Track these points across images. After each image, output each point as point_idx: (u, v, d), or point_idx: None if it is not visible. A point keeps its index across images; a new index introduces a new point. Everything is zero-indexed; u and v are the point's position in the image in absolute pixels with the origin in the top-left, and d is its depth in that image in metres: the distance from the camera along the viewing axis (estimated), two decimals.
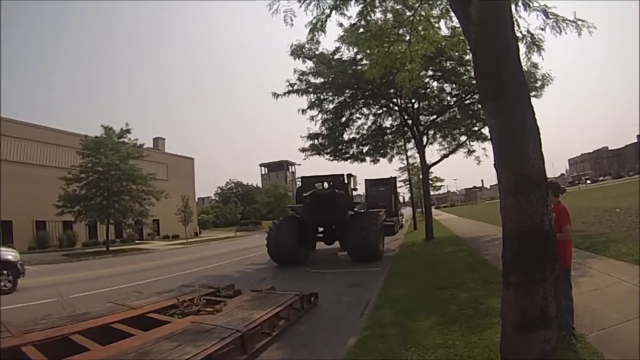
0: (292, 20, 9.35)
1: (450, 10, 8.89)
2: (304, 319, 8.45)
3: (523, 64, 16.23)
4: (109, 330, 6.75)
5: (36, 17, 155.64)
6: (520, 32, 11.31)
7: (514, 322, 3.66)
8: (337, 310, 9.01)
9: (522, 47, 12.08)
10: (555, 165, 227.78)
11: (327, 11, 9.78)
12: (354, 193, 21.54)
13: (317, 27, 9.91)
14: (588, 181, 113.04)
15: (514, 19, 10.65)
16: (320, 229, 18.80)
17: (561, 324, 5.42)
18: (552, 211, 5.55)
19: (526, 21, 10.96)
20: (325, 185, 19.14)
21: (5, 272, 13.84)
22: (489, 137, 4.21)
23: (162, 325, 6.78)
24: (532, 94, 18.54)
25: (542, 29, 11.05)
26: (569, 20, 10.56)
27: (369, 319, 7.63)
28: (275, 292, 9.57)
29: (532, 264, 3.60)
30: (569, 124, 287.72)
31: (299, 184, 21.00)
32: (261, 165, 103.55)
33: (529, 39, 11.72)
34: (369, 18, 10.17)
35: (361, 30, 10.85)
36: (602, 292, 7.17)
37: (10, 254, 14.58)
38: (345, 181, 19.12)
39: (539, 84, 19.21)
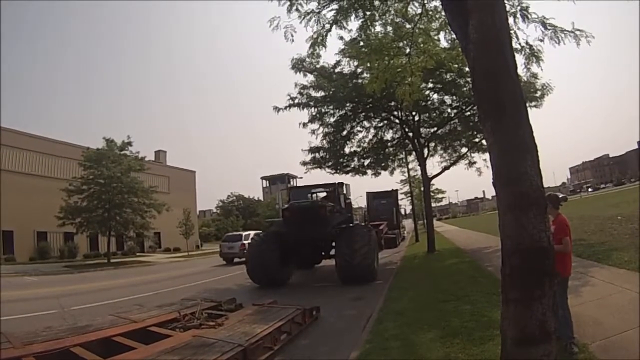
0: (292, 36, 9.50)
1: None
2: (305, 332, 8.42)
3: (522, 75, 16.50)
4: (110, 343, 6.72)
5: (38, 28, 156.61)
6: (519, 43, 11.42)
7: (513, 337, 3.69)
8: (339, 323, 8.97)
9: (521, 59, 12.20)
10: (556, 174, 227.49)
11: (327, 26, 9.89)
12: (354, 204, 21.26)
13: (318, 41, 10.01)
14: (589, 189, 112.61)
15: (513, 31, 10.83)
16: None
17: (560, 334, 5.44)
18: (552, 223, 5.60)
19: (525, 33, 11.02)
20: (317, 196, 18.63)
21: None
22: (489, 154, 4.25)
23: (163, 339, 6.74)
24: (532, 104, 18.82)
25: (541, 40, 11.15)
26: (567, 31, 10.67)
27: (371, 332, 7.61)
28: (277, 306, 9.51)
29: (531, 281, 3.64)
30: (570, 132, 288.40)
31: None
32: (262, 178, 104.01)
33: (527, 50, 11.81)
34: (368, 32, 10.26)
35: (361, 44, 10.95)
36: (605, 300, 7.17)
37: None
38: (338, 191, 17.90)
39: (538, 93, 19.31)
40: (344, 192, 18.12)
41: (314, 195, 18.62)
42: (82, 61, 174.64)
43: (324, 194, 18.55)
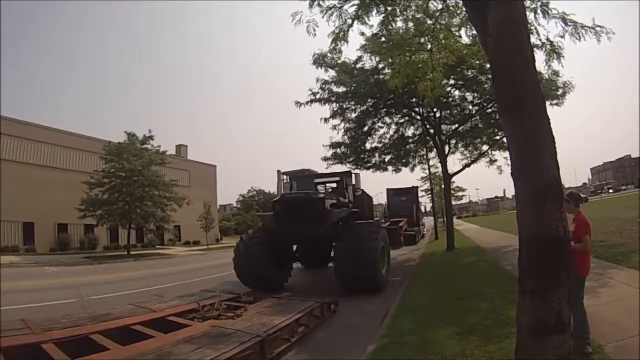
0: (314, 30, 9.47)
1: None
2: (323, 326, 8.44)
3: (543, 72, 16.28)
4: (129, 331, 6.78)
5: (59, 22, 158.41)
6: (540, 39, 11.29)
7: (529, 327, 3.71)
8: (357, 318, 8.98)
9: (542, 55, 12.05)
10: (577, 174, 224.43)
11: (349, 21, 9.85)
12: (375, 201, 20.18)
13: (340, 37, 9.98)
14: (610, 190, 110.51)
15: (534, 27, 10.70)
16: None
17: (575, 333, 5.35)
18: (573, 222, 5.50)
19: (545, 29, 10.90)
20: (326, 187, 16.75)
21: None
22: (507, 146, 4.24)
23: (182, 329, 6.80)
24: (554, 102, 18.52)
25: (562, 36, 11.00)
26: (588, 27, 10.50)
27: (388, 327, 7.60)
28: (296, 299, 9.56)
29: (547, 271, 3.66)
30: (591, 131, 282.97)
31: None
32: (283, 173, 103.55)
33: (548, 46, 11.67)
34: (390, 27, 10.20)
35: (383, 39, 10.89)
36: (622, 302, 7.05)
37: None
38: (346, 182, 15.72)
39: (560, 91, 18.98)
40: (353, 182, 15.56)
41: (320, 186, 16.65)
42: (105, 56, 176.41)
43: (333, 185, 16.62)
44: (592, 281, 8.09)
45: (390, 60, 11.03)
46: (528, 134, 3.78)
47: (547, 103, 17.49)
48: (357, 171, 18.09)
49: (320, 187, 16.42)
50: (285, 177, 15.99)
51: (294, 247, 14.70)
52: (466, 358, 5.40)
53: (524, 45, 3.93)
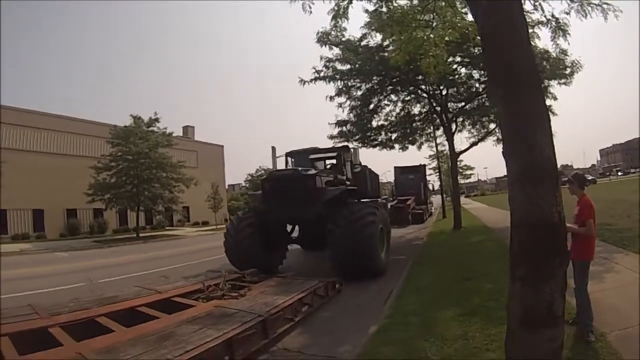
0: (310, 8, 9.33)
1: None
2: (327, 305, 8.46)
3: (551, 51, 16.06)
4: (134, 313, 6.84)
5: (63, 12, 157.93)
6: (545, 16, 11.14)
7: (519, 317, 3.56)
8: (361, 298, 8.97)
9: (547, 32, 11.89)
10: (586, 155, 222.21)
11: None
12: (382, 179, 19.49)
13: (340, 13, 9.89)
14: (619, 173, 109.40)
15: (538, 3, 10.57)
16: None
17: (578, 320, 5.32)
18: (576, 204, 5.43)
19: (550, 5, 10.77)
20: (325, 164, 15.46)
21: None
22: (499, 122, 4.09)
23: (186, 309, 6.85)
24: (562, 81, 18.28)
25: (567, 13, 10.85)
26: (594, 4, 10.35)
27: (391, 307, 7.62)
28: (300, 278, 9.61)
29: (539, 258, 3.47)
30: (601, 112, 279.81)
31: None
32: (287, 155, 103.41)
33: (553, 23, 11.51)
34: (389, 4, 10.10)
35: (383, 16, 10.79)
36: (627, 289, 6.86)
37: None
38: (343, 157, 14.43)
39: (568, 71, 18.73)
40: (350, 158, 14.44)
41: (319, 163, 15.45)
42: (110, 41, 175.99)
43: (333, 161, 15.24)
44: (597, 265, 8.03)
45: (392, 37, 10.91)
46: (520, 110, 3.59)
47: (555, 82, 17.51)
48: (354, 145, 17.21)
49: (319, 164, 15.25)
50: (286, 156, 15.08)
51: (289, 227, 13.81)
52: (468, 341, 5.39)
53: (516, 16, 3.73)
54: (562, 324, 3.54)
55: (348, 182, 13.73)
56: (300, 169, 12.70)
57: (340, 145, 15.62)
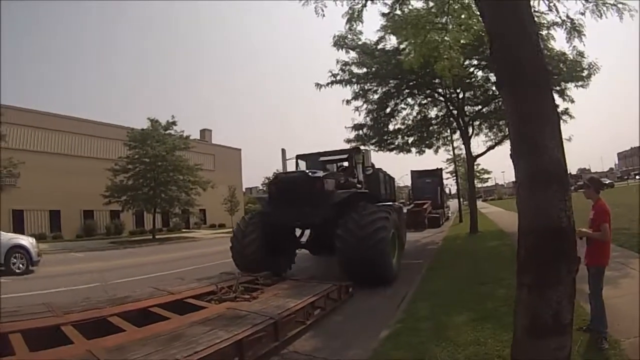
0: (322, 11, 9.32)
1: None
2: (340, 309, 8.42)
3: (568, 53, 15.91)
4: (146, 313, 6.89)
5: (80, 13, 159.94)
6: (560, 17, 11.03)
7: (525, 325, 3.45)
8: (374, 302, 8.93)
9: (563, 33, 11.79)
10: (604, 158, 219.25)
11: (362, 0, 9.71)
12: (399, 183, 19.16)
13: (354, 17, 9.88)
14: (637, 176, 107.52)
15: (553, 4, 10.46)
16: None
17: (592, 326, 5.22)
18: (592, 209, 5.34)
19: (565, 6, 10.66)
20: (337, 166, 14.90)
21: (19, 254, 15.52)
22: (507, 124, 3.97)
23: (198, 311, 6.88)
24: (579, 83, 18.09)
25: (582, 14, 10.73)
26: (609, 4, 10.22)
27: (404, 311, 7.56)
28: (314, 282, 9.61)
29: (546, 264, 3.36)
30: (619, 115, 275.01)
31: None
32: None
33: (568, 24, 11.39)
34: (404, 8, 10.08)
35: (396, 18, 10.75)
36: None
37: (24, 240, 16.25)
38: (355, 160, 13.81)
39: (585, 73, 18.51)
40: (361, 160, 13.76)
41: (331, 165, 14.87)
42: (127, 45, 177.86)
43: (345, 164, 14.76)
44: (613, 271, 7.90)
45: (406, 39, 10.89)
46: (528, 110, 3.46)
47: (572, 85, 17.25)
48: (366, 148, 16.43)
49: (330, 167, 14.70)
50: (297, 158, 14.69)
51: (298, 232, 13.31)
52: (480, 346, 5.32)
53: (522, 11, 3.61)
54: (570, 332, 3.43)
55: (359, 185, 13.20)
56: (307, 171, 12.51)
57: (352, 147, 15.13)
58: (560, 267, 3.32)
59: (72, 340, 5.22)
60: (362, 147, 15.44)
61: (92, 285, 12.15)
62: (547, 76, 3.64)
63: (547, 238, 3.33)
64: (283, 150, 13.75)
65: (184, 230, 46.20)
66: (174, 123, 37.39)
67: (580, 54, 17.26)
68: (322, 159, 14.55)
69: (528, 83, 3.48)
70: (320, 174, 11.89)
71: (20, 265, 15.47)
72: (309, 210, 11.01)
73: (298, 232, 13.33)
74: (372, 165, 14.41)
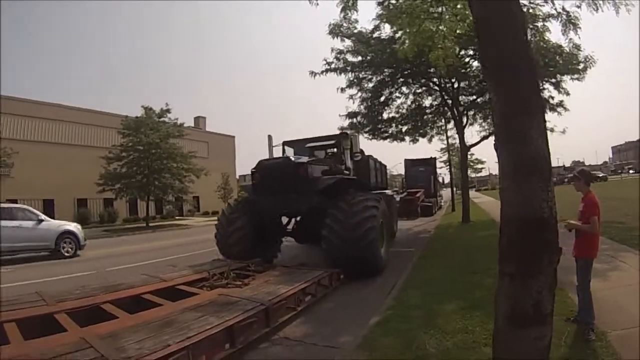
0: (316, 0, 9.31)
1: None
2: (330, 296, 8.49)
3: (564, 45, 15.95)
4: (139, 300, 6.98)
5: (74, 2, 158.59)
6: (555, 9, 11.05)
7: (506, 314, 3.49)
8: (365, 289, 9.00)
9: (558, 26, 11.82)
10: (598, 152, 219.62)
11: None
12: (392, 171, 19.01)
13: (349, 5, 9.89)
14: (631, 170, 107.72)
15: None
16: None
17: (580, 317, 5.31)
18: (581, 201, 5.41)
19: None
20: (327, 153, 14.35)
21: (69, 239, 17.25)
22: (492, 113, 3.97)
23: (190, 297, 6.95)
24: (575, 76, 18.12)
25: (578, 7, 10.75)
26: None
27: (394, 299, 7.62)
28: (305, 268, 9.68)
29: (528, 254, 3.40)
30: (614, 109, 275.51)
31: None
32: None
33: (564, 16, 11.42)
34: None
35: (392, 7, 10.76)
36: (633, 289, 6.68)
37: (71, 227, 17.90)
38: (342, 146, 13.44)
39: (581, 66, 18.56)
40: (349, 145, 13.28)
41: (319, 152, 14.38)
42: (120, 32, 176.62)
43: (334, 150, 14.20)
44: (603, 263, 8.06)
45: (400, 29, 10.90)
46: (513, 101, 3.48)
47: (568, 77, 17.29)
48: (354, 132, 15.80)
49: (319, 154, 14.16)
50: (283, 145, 14.50)
51: (285, 220, 12.96)
52: (468, 334, 5.40)
53: (511, 2, 3.61)
54: (551, 322, 3.46)
55: (347, 172, 12.84)
56: (291, 157, 12.13)
57: (339, 133, 14.37)
58: (541, 257, 3.35)
59: (65, 328, 5.29)
60: (349, 132, 14.81)
61: (86, 273, 12.26)
62: (533, 67, 3.61)
63: (529, 228, 3.37)
64: (269, 137, 13.58)
65: (177, 217, 46.26)
66: (167, 111, 37.26)
67: (577, 47, 17.26)
68: (309, 145, 14.15)
69: (513, 74, 3.48)
70: (305, 159, 11.52)
71: (69, 249, 17.15)
72: (294, 198, 10.73)
73: (284, 220, 13.03)
74: (362, 152, 14.24)
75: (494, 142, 3.70)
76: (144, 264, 13.50)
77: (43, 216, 17.28)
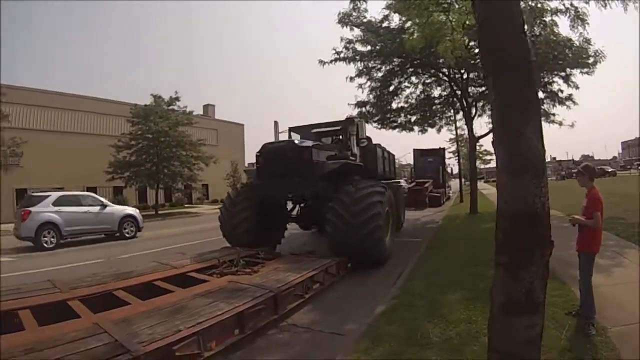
0: None
1: None
2: (337, 285, 8.58)
3: (574, 39, 15.88)
4: (150, 287, 7.12)
5: None
6: (564, 4, 11.03)
7: (501, 302, 3.58)
8: (372, 279, 9.08)
9: (566, 21, 11.78)
10: (608, 147, 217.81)
11: None
12: (401, 161, 18.71)
13: None
14: None
15: None
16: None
17: (581, 312, 5.38)
18: (585, 196, 5.46)
19: None
20: (333, 139, 14.30)
21: (130, 222, 19.60)
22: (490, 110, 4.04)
23: (200, 284, 7.09)
24: (584, 70, 17.99)
25: (586, 2, 10.72)
26: None
27: (400, 289, 7.71)
28: (313, 256, 9.77)
29: (521, 246, 3.49)
30: (624, 104, 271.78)
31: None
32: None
33: (572, 12, 11.38)
34: None
35: None
36: (634, 285, 6.65)
37: (132, 211, 20.40)
38: (348, 131, 13.13)
39: (591, 60, 18.44)
40: (355, 131, 13.06)
41: (325, 138, 14.26)
42: (130, 21, 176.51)
43: (339, 136, 14.06)
44: (606, 259, 8.10)
45: (409, 20, 10.90)
46: (510, 98, 3.56)
47: (577, 71, 17.22)
48: (360, 119, 15.66)
49: (325, 140, 14.04)
50: (289, 131, 14.24)
51: (290, 205, 12.77)
52: (470, 324, 5.48)
53: (512, 2, 3.66)
54: (542, 311, 3.54)
55: (352, 158, 12.57)
56: (295, 140, 12.04)
57: (345, 118, 13.85)
58: (534, 250, 3.45)
59: (79, 314, 5.42)
60: (355, 118, 14.52)
61: (97, 261, 12.39)
62: (530, 65, 3.67)
63: (522, 222, 3.46)
64: (276, 123, 13.51)
65: (186, 205, 46.51)
66: (177, 99, 37.37)
67: (587, 41, 17.15)
68: (315, 130, 14.05)
69: (511, 72, 3.55)
70: (309, 143, 11.38)
71: (130, 231, 19.43)
72: (298, 182, 10.58)
73: (289, 205, 12.88)
74: (369, 139, 14.17)
75: (492, 140, 3.78)
76: (153, 252, 13.71)
77: (106, 202, 19.75)
